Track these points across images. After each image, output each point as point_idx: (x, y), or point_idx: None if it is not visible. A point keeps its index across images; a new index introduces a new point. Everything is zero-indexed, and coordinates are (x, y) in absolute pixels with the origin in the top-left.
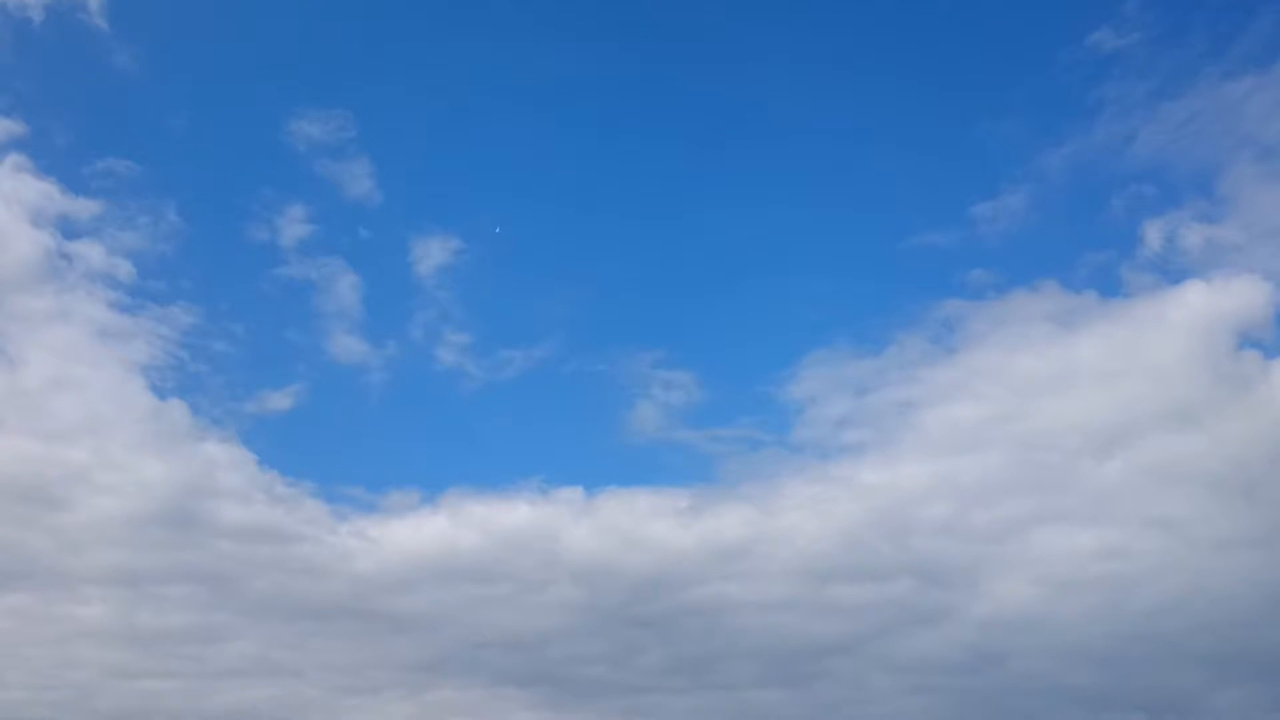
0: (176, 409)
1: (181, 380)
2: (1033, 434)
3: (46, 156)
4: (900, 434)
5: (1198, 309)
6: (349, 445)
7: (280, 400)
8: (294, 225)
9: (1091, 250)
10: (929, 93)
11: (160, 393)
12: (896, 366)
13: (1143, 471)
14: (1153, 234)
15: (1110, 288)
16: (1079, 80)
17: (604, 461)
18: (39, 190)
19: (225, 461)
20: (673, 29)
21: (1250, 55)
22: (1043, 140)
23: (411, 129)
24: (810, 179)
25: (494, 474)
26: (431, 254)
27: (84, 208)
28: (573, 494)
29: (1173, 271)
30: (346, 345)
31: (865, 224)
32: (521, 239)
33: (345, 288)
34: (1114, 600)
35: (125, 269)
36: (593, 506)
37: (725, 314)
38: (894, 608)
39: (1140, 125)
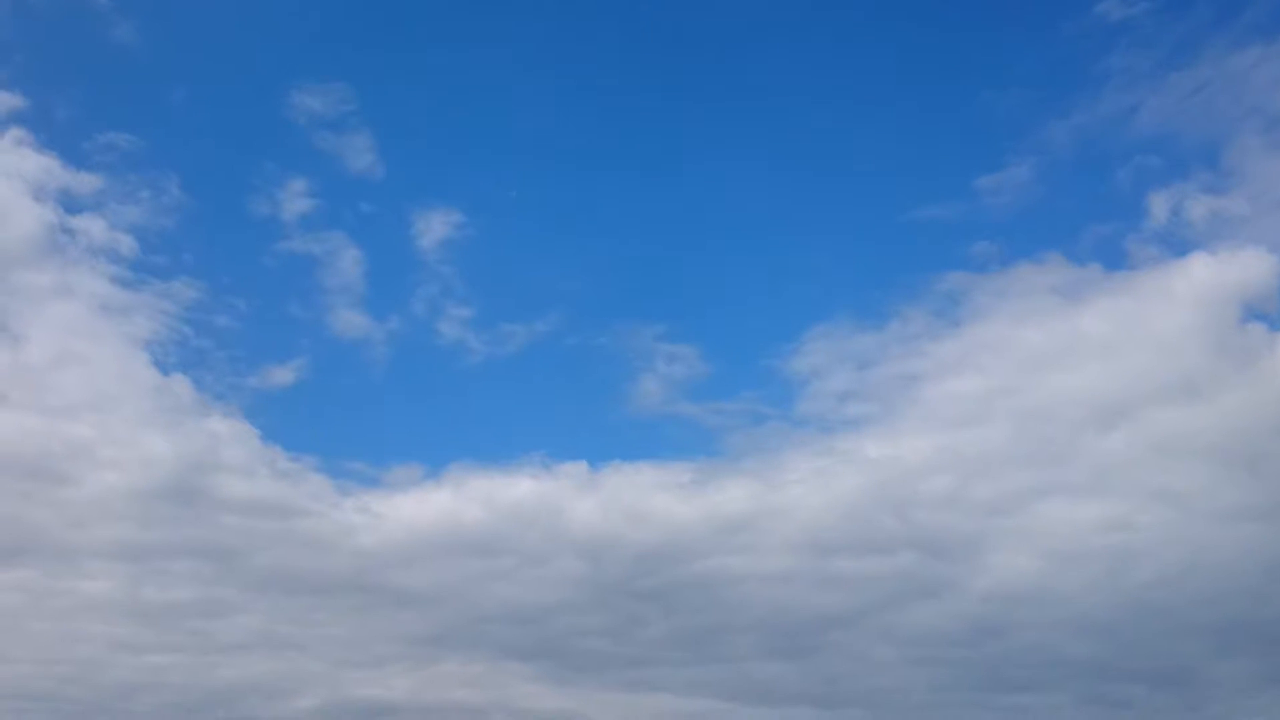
0: (179, 384)
1: (184, 355)
2: (1036, 407)
3: (47, 131)
4: (903, 407)
5: (1203, 281)
6: (352, 420)
7: (283, 375)
8: (296, 199)
9: (1096, 222)
10: (933, 64)
11: (163, 368)
12: (899, 340)
13: (1146, 444)
14: (1158, 206)
15: (1115, 260)
16: (1084, 51)
17: (607, 435)
18: (40, 165)
19: (228, 436)
20: (677, 4)
21: (1257, 25)
22: (1048, 112)
23: (413, 102)
24: (814, 152)
25: (497, 448)
26: (433, 228)
27: (85, 182)
28: (576, 468)
29: (1178, 243)
30: (349, 320)
31: (869, 196)
32: (524, 213)
33: (347, 262)
34: (1116, 572)
35: (127, 244)
36: (596, 480)
37: (728, 287)
38: (896, 580)
39: (1146, 96)
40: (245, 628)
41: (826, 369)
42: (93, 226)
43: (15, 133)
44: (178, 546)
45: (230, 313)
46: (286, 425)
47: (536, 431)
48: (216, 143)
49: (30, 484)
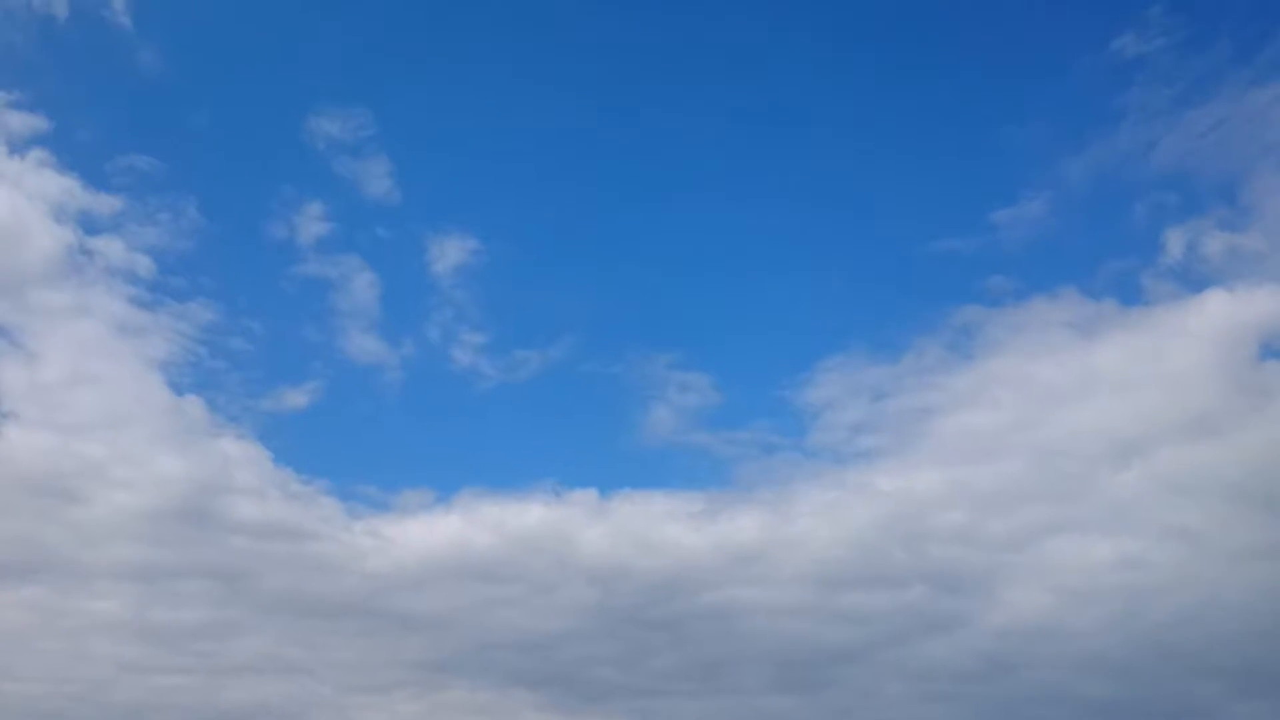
0: (193, 405)
1: (199, 376)
2: (1050, 442)
3: (69, 152)
4: (917, 440)
5: (1219, 318)
6: (364, 444)
7: (296, 398)
8: (312, 223)
9: (1112, 258)
10: (951, 97)
11: (177, 389)
12: (914, 372)
13: (1161, 481)
14: (1174, 242)
15: (1131, 296)
16: (1102, 86)
17: (619, 463)
18: (61, 186)
19: (241, 458)
20: (695, 32)
21: (1275, 63)
22: (1064, 146)
23: (431, 129)
24: (831, 183)
25: (508, 474)
26: (449, 253)
27: (105, 203)
28: (587, 496)
29: (1194, 280)
30: (363, 344)
31: (885, 229)
32: (539, 239)
33: (362, 286)
34: (1131, 611)
35: (145, 265)
36: (606, 508)
37: (742, 317)
38: (907, 615)
39: (1163, 132)
40: (254, 650)
41: (839, 400)
42: (111, 247)
43: (38, 154)
44: (188, 567)
45: (245, 335)
46: (299, 448)
47: (548, 458)
48: (235, 166)
49: (42, 502)
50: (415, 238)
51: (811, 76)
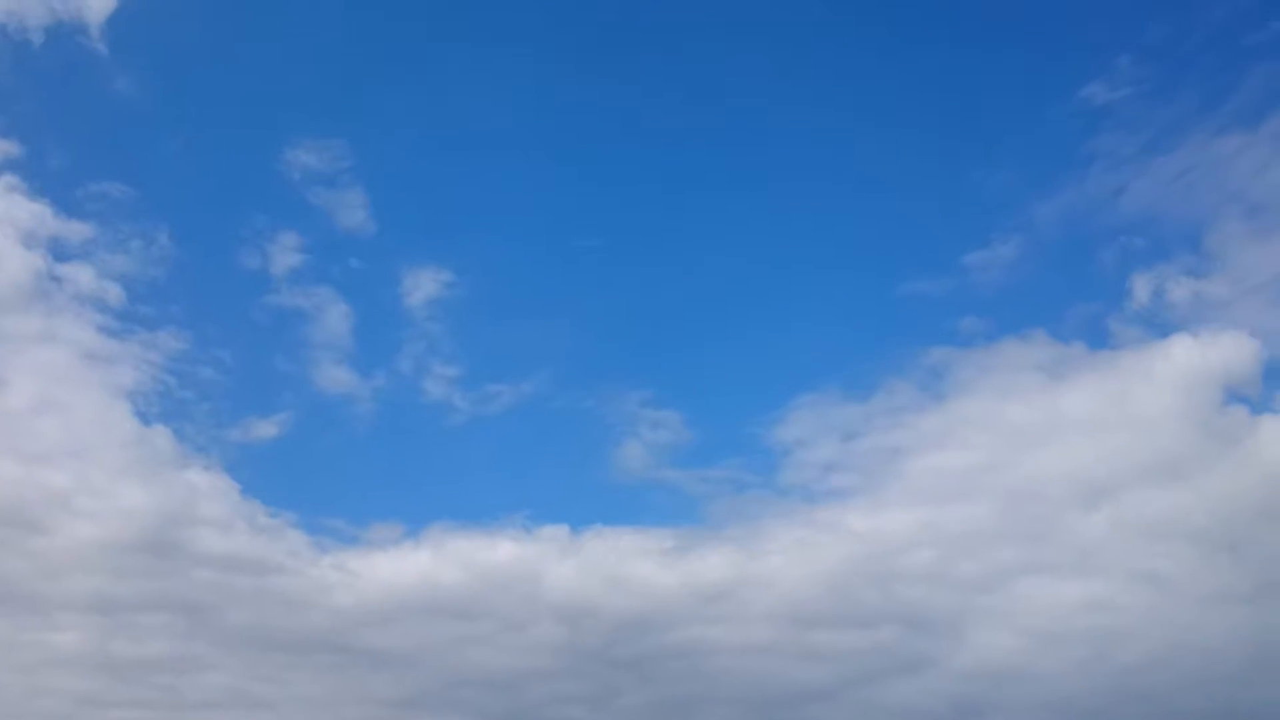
0: (160, 435)
1: (167, 406)
2: (1020, 483)
3: (40, 178)
4: (887, 480)
5: (1184, 363)
6: (333, 476)
7: (266, 429)
8: (286, 253)
9: (1081, 301)
10: (923, 141)
11: (145, 418)
12: (885, 412)
13: (1129, 524)
14: (1141, 287)
15: (1098, 339)
16: (1071, 132)
17: (590, 500)
18: (31, 212)
19: (207, 490)
20: (668, 71)
21: (1240, 113)
22: (1035, 191)
23: (406, 161)
24: (806, 223)
25: (479, 509)
26: (422, 286)
27: (76, 230)
28: (557, 532)
29: (1160, 325)
30: (334, 375)
31: (858, 269)
32: (513, 273)
33: (335, 317)
34: (1098, 653)
35: (115, 292)
36: (577, 545)
37: (715, 355)
38: (877, 655)
39: (1131, 179)
40: (216, 685)
41: (811, 439)
42: (81, 275)
43: (8, 179)
44: (151, 600)
45: (215, 365)
46: (267, 480)
47: (519, 494)
48: (209, 195)
49: (3, 531)
50: (389, 269)
51: (786, 121)
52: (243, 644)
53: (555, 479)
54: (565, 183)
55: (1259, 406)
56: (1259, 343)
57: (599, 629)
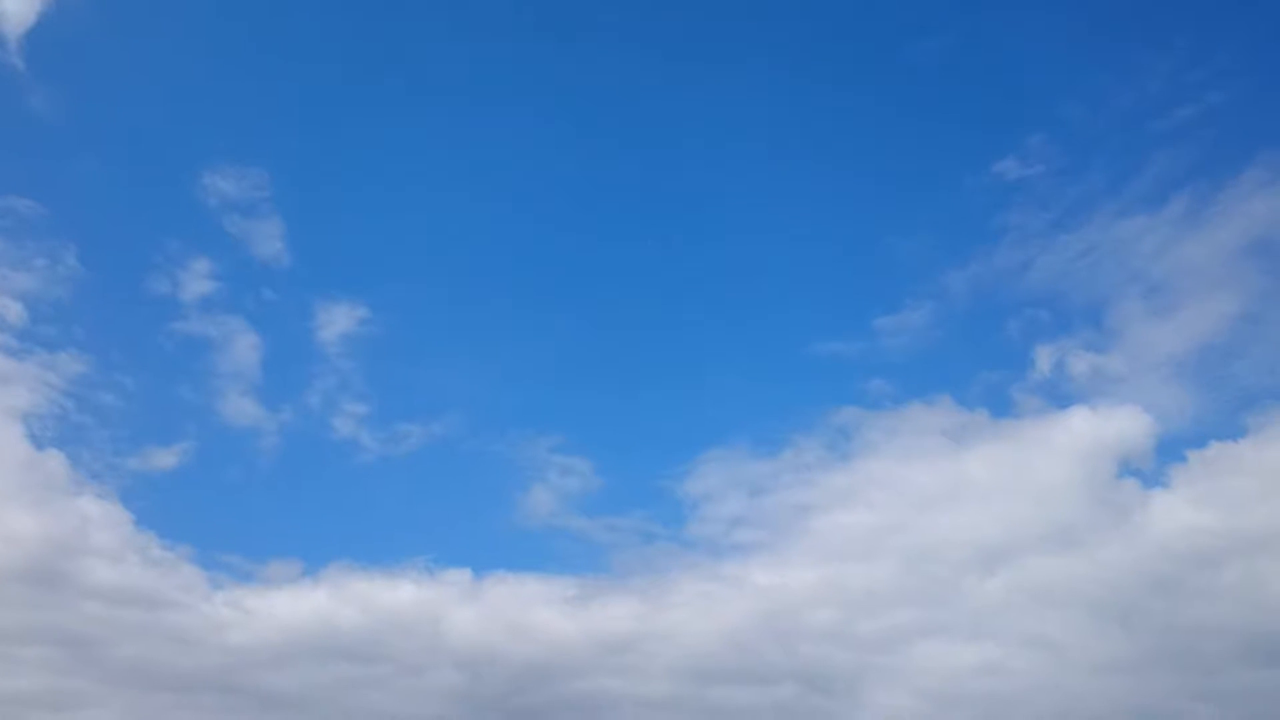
0: (54, 460)
1: (63, 431)
2: (921, 546)
3: None
4: (793, 537)
5: (1082, 434)
6: (232, 510)
7: (165, 458)
8: (197, 280)
9: (986, 369)
10: (840, 206)
11: (38, 442)
12: (792, 469)
13: (1023, 590)
14: (1044, 358)
15: (1001, 407)
16: (984, 205)
17: (494, 544)
18: None
19: (100, 519)
20: (590, 116)
21: (1143, 196)
22: (947, 259)
23: (326, 194)
24: (720, 280)
25: (381, 550)
26: (336, 321)
27: None
28: (460, 575)
29: (1060, 396)
30: (240, 407)
31: (771, 327)
32: (429, 314)
33: (244, 348)
34: (991, 716)
35: (16, 311)
36: (479, 590)
37: (628, 405)
38: (776, 712)
39: (1038, 253)
40: None
41: (719, 493)
42: None
43: None
44: (31, 632)
45: (116, 390)
46: (163, 511)
47: (423, 536)
48: (121, 216)
49: None
50: (303, 302)
51: (707, 174)
52: (128, 681)
53: (460, 522)
54: (486, 225)
55: (1150, 481)
56: (1152, 418)
57: (499, 676)
